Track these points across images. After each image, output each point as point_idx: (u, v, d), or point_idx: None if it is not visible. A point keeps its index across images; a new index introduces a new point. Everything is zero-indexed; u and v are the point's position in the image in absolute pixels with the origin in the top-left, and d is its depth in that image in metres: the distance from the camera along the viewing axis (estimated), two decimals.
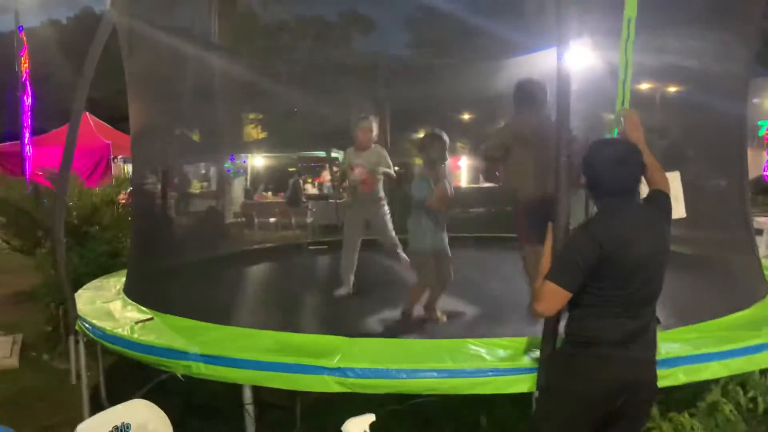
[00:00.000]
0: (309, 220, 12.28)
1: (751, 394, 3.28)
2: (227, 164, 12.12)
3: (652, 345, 2.60)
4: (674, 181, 3.57)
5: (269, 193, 14.33)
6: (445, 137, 4.68)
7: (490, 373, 2.92)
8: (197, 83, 5.49)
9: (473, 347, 3.12)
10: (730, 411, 3.08)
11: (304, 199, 13.51)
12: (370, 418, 2.35)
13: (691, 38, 4.03)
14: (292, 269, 6.30)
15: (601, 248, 2.43)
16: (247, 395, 3.16)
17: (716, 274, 3.98)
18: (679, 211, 3.47)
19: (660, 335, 3.11)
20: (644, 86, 5.50)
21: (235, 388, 3.62)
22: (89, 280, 5.35)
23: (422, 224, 4.54)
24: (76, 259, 5.97)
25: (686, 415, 2.92)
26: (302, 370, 2.99)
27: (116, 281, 4.94)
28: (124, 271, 5.41)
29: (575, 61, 6.72)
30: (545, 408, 2.70)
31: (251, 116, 14.09)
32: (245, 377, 3.08)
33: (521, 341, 3.18)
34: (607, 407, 2.52)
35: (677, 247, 3.86)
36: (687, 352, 3.01)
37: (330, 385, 2.95)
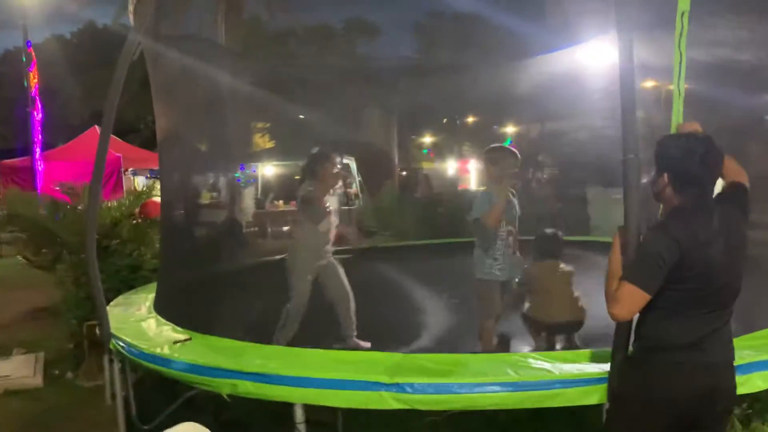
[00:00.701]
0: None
1: None
2: (237, 174, 12.01)
3: (730, 349, 2.48)
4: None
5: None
6: (517, 153, 4.28)
7: (558, 386, 2.79)
8: (215, 93, 5.37)
9: (534, 360, 2.99)
10: None
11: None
12: None
13: (741, 29, 3.87)
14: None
15: (681, 248, 2.33)
16: (299, 414, 3.01)
17: None
18: None
19: None
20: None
21: (268, 404, 3.52)
22: (112, 295, 5.23)
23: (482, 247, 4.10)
24: (102, 275, 5.82)
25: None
26: (358, 387, 2.87)
27: (144, 297, 4.82)
28: (150, 286, 5.30)
29: (601, 58, 6.65)
30: (619, 416, 2.58)
31: (269, 124, 14.03)
32: (298, 395, 2.95)
33: (583, 353, 3.05)
34: (684, 415, 2.40)
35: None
36: (762, 357, 2.86)
37: (388, 401, 2.81)
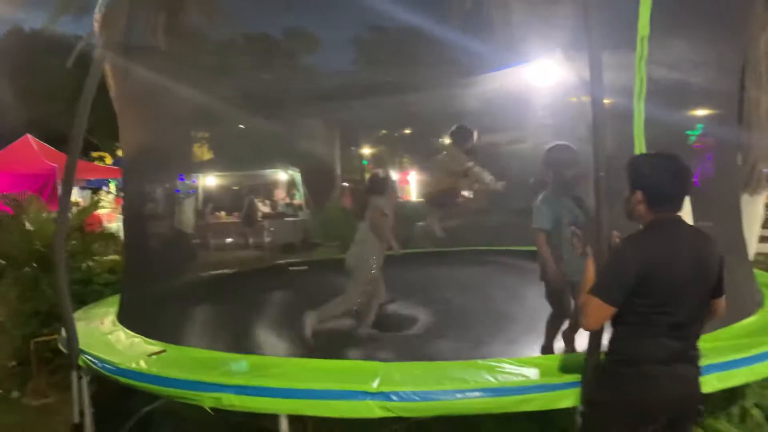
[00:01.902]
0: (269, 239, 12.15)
1: None
2: (180, 185, 11.82)
3: (697, 362, 2.62)
4: None
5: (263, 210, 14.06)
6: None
7: (534, 390, 2.93)
8: (179, 107, 5.33)
9: (509, 366, 3.13)
10: (760, 415, 3.19)
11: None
12: None
13: (686, 51, 4.16)
14: (285, 290, 6.18)
15: (644, 264, 2.46)
16: (284, 426, 3.05)
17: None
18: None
19: None
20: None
21: (228, 418, 3.52)
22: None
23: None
24: (49, 290, 5.65)
25: (723, 421, 2.99)
26: (344, 396, 2.93)
27: (104, 311, 4.72)
28: (108, 300, 5.20)
29: (546, 76, 6.97)
30: (592, 422, 2.73)
31: (213, 135, 13.85)
32: (283, 407, 2.98)
33: (555, 358, 3.22)
34: (654, 423, 2.54)
35: None
36: (717, 359, 3.09)
37: (373, 410, 2.89)
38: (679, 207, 2.60)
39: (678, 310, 2.50)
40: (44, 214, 6.60)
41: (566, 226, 3.92)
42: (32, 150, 13.23)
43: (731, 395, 3.22)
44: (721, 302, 2.67)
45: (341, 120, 14.04)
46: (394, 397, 2.88)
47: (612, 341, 2.62)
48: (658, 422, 2.54)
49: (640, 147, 3.33)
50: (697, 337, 2.62)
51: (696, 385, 2.60)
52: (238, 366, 3.31)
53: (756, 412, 3.20)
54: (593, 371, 2.82)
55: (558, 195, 3.99)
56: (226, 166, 13.95)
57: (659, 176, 2.57)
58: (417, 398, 2.89)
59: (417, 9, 6.96)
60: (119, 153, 23.87)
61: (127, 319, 4.31)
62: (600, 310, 2.51)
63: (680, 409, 2.57)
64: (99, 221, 11.22)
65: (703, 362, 3.01)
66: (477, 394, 2.91)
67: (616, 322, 2.58)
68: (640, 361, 2.52)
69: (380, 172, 5.38)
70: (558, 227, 3.92)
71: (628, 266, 2.49)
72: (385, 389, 2.90)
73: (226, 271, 7.00)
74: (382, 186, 5.23)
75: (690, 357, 2.60)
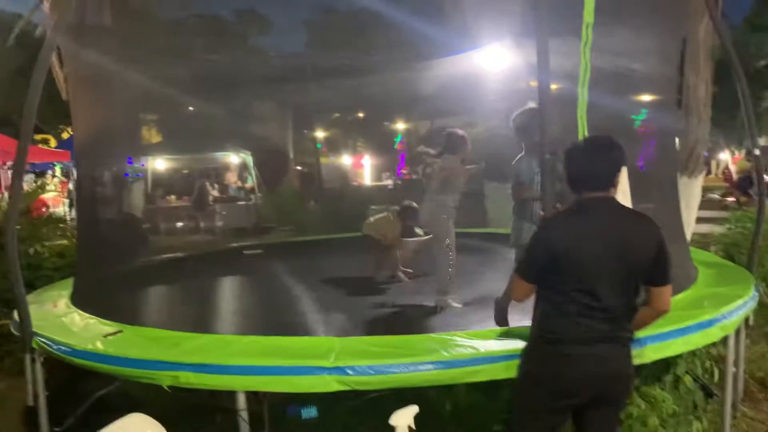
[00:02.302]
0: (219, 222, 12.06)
1: (707, 365, 3.66)
2: (129, 168, 11.61)
3: (624, 342, 2.62)
4: (622, 177, 3.89)
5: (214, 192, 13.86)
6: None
7: (483, 362, 3.07)
8: (129, 89, 5.26)
9: (460, 339, 3.27)
10: (690, 381, 3.41)
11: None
12: (414, 409, 2.41)
13: (628, 38, 4.33)
14: (239, 272, 6.21)
15: (552, 244, 2.54)
16: (242, 401, 3.11)
17: None
18: (627, 204, 3.80)
19: None
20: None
21: (185, 398, 3.57)
22: (11, 296, 5.01)
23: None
24: None
25: (657, 389, 3.19)
26: (301, 372, 3.01)
27: (57, 294, 4.66)
28: (59, 284, 5.13)
29: (498, 61, 7.12)
30: (517, 396, 2.81)
31: (164, 117, 13.62)
32: (241, 383, 3.04)
33: (504, 331, 3.36)
34: (576, 400, 2.61)
35: None
36: (653, 331, 3.28)
37: (331, 384, 2.98)
38: (599, 187, 2.58)
39: (597, 291, 2.52)
40: None
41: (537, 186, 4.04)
42: None
43: (665, 364, 3.42)
44: (662, 292, 2.59)
45: (294, 103, 13.97)
46: (350, 371, 2.97)
47: (534, 317, 2.70)
48: (580, 398, 2.60)
49: (583, 131, 3.50)
50: (627, 319, 2.61)
51: (622, 365, 2.62)
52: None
53: (687, 380, 3.41)
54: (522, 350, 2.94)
55: (531, 156, 4.13)
56: (176, 149, 13.72)
57: (571, 157, 2.65)
58: (372, 372, 2.98)
59: None
60: (64, 136, 23.18)
61: (81, 301, 4.28)
62: (520, 286, 2.67)
63: (603, 387, 2.59)
64: (45, 205, 10.95)
65: (640, 334, 3.23)
66: (429, 366, 3.02)
67: (539, 298, 2.66)
68: (560, 340, 2.57)
69: (458, 130, 5.27)
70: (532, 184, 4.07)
71: (538, 246, 2.60)
72: (341, 364, 2.99)
73: (179, 254, 6.96)
74: (460, 143, 5.13)
75: (616, 338, 2.59)
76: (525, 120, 4.18)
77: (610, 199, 2.61)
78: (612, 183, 2.60)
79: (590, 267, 2.51)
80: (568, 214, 2.66)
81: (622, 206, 2.71)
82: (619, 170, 2.61)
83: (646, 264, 2.53)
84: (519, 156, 4.26)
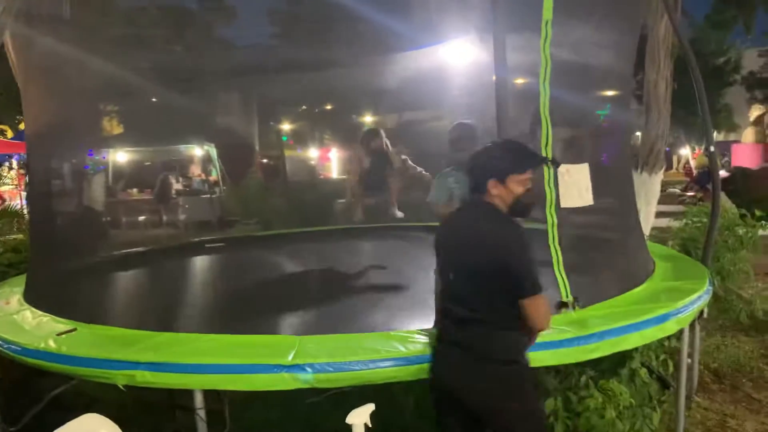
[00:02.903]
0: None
1: (662, 357, 3.74)
2: (89, 161, 11.35)
3: (476, 353, 2.61)
4: (583, 172, 3.95)
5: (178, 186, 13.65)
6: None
7: None
8: (83, 79, 5.13)
9: (419, 336, 3.27)
10: (645, 374, 3.47)
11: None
12: (371, 407, 2.40)
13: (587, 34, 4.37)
14: (200, 268, 6.13)
15: (436, 240, 2.78)
16: (199, 399, 3.07)
17: (616, 254, 4.42)
18: (588, 199, 3.85)
19: (582, 312, 3.48)
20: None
21: (142, 397, 3.51)
22: None
23: None
24: None
25: (615, 382, 3.24)
26: (259, 370, 2.97)
27: (8, 291, 4.54)
28: (12, 280, 5.01)
29: (460, 57, 7.14)
30: None
31: (124, 109, 13.30)
32: (198, 382, 3.00)
33: None
34: (449, 412, 2.74)
35: (581, 231, 4.29)
36: (609, 325, 3.33)
37: (289, 382, 2.95)
38: (475, 190, 2.68)
39: (450, 293, 2.67)
40: None
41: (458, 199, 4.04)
42: None
43: (621, 358, 3.47)
44: (524, 305, 2.53)
45: (258, 94, 13.79)
46: (308, 369, 2.95)
47: None
48: (445, 408, 2.77)
49: (546, 126, 3.53)
50: (477, 325, 2.61)
51: (469, 377, 2.62)
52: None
53: (642, 372, 3.48)
54: None
55: (455, 169, 4.11)
56: (138, 141, 13.44)
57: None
58: (331, 369, 2.97)
59: None
60: (21, 126, 22.57)
61: (34, 298, 4.17)
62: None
63: (458, 403, 2.66)
64: (1, 199, 10.68)
65: (597, 328, 3.27)
66: (389, 363, 3.02)
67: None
68: (438, 340, 2.80)
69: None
70: (451, 200, 4.01)
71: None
72: (300, 362, 2.96)
73: (139, 249, 6.84)
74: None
75: (466, 346, 2.63)
76: (455, 134, 4.24)
77: (482, 203, 2.66)
78: (481, 188, 2.63)
79: (444, 267, 2.70)
80: (453, 214, 2.84)
81: (487, 214, 2.65)
82: (489, 177, 2.60)
83: (490, 274, 2.53)
84: (447, 169, 4.21)
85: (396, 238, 6.69)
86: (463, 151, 3.91)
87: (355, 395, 3.68)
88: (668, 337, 3.90)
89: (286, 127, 18.15)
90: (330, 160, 18.54)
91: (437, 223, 3.09)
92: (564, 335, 3.17)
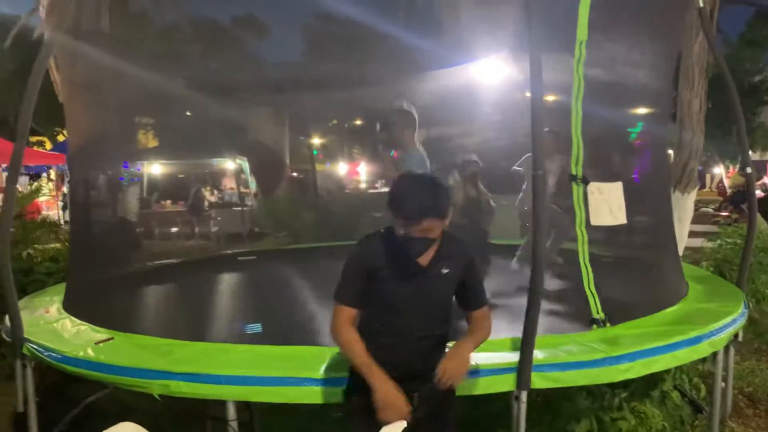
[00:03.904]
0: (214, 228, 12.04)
1: (695, 380, 3.69)
2: (125, 173, 11.61)
3: None
4: (615, 191, 3.94)
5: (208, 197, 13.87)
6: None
7: (473, 375, 3.06)
8: (129, 93, 5.29)
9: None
10: (677, 397, 3.43)
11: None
12: (402, 425, 2.42)
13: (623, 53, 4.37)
14: (232, 280, 6.22)
15: None
16: (232, 411, 3.12)
17: (651, 274, 4.38)
18: (620, 217, 3.83)
19: (610, 331, 3.46)
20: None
21: (174, 405, 3.56)
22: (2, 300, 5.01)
23: None
24: None
25: (647, 404, 3.21)
26: (290, 383, 3.01)
27: (48, 299, 4.66)
28: (51, 289, 5.13)
29: (493, 75, 7.17)
30: None
31: (160, 122, 13.60)
32: (231, 393, 3.05)
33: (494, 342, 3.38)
34: None
35: (613, 250, 4.27)
36: (641, 346, 3.31)
37: (320, 396, 2.99)
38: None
39: None
40: None
41: None
42: None
43: (652, 379, 3.44)
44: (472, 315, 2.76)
45: (290, 109, 13.98)
46: (342, 383, 2.97)
47: None
48: None
49: (578, 144, 3.54)
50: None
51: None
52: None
53: (675, 395, 3.44)
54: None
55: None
56: (172, 154, 13.71)
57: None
58: None
59: (369, 4, 7.07)
60: (59, 138, 23.14)
61: (73, 306, 4.27)
62: None
63: None
64: (39, 209, 10.96)
65: (629, 348, 3.25)
66: None
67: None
68: None
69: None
70: None
71: None
72: (332, 375, 2.99)
73: (172, 260, 6.96)
74: None
75: None
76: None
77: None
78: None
79: None
80: None
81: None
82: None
83: None
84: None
85: None
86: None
87: None
88: (702, 360, 3.85)
89: (316, 141, 18.36)
90: (359, 174, 18.72)
91: None
92: (595, 355, 3.16)
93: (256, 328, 3.60)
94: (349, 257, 2.68)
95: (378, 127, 4.60)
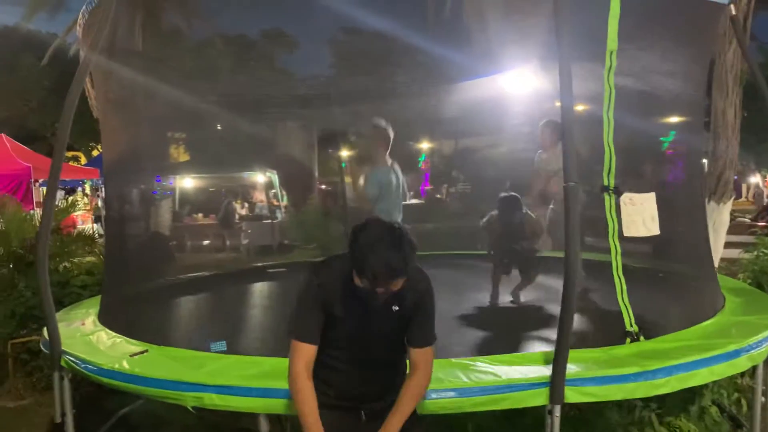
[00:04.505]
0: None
1: (735, 395, 3.60)
2: (157, 186, 11.80)
3: None
4: (648, 201, 3.88)
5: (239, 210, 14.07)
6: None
7: (505, 390, 3.04)
8: (161, 108, 5.39)
9: (482, 364, 3.26)
10: (716, 412, 3.35)
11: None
12: None
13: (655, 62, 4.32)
14: (263, 292, 6.27)
15: None
16: (264, 424, 3.13)
17: (686, 286, 4.30)
18: (653, 229, 3.77)
19: (645, 345, 3.39)
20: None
21: (205, 418, 3.59)
22: (39, 312, 5.13)
23: None
24: (27, 292, 5.68)
25: (683, 420, 3.14)
26: None
27: (84, 312, 4.75)
28: (87, 302, 5.23)
29: (522, 85, 7.14)
30: None
31: (191, 137, 13.82)
32: (264, 406, 3.06)
33: (526, 357, 3.35)
34: None
35: (647, 262, 4.20)
36: (677, 360, 3.24)
37: None
38: None
39: None
40: (21, 215, 6.61)
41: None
42: (6, 150, 13.11)
43: (689, 394, 3.37)
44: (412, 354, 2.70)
45: (319, 122, 14.08)
46: None
47: None
48: None
49: (610, 154, 3.50)
50: None
51: None
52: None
53: (713, 410, 3.36)
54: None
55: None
56: (203, 168, 13.89)
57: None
58: None
59: (396, 16, 7.09)
60: (94, 153, 23.65)
61: (107, 319, 4.35)
62: None
63: None
64: (74, 223, 11.19)
65: (664, 363, 3.19)
66: (451, 394, 3.01)
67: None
68: None
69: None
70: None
71: None
72: None
73: (204, 273, 7.05)
74: None
75: None
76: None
77: None
78: None
79: None
80: None
81: None
82: None
83: None
84: None
85: (455, 267, 6.67)
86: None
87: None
88: (741, 375, 3.75)
89: (345, 153, 18.44)
90: None
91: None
92: (630, 369, 3.11)
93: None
94: (304, 288, 2.58)
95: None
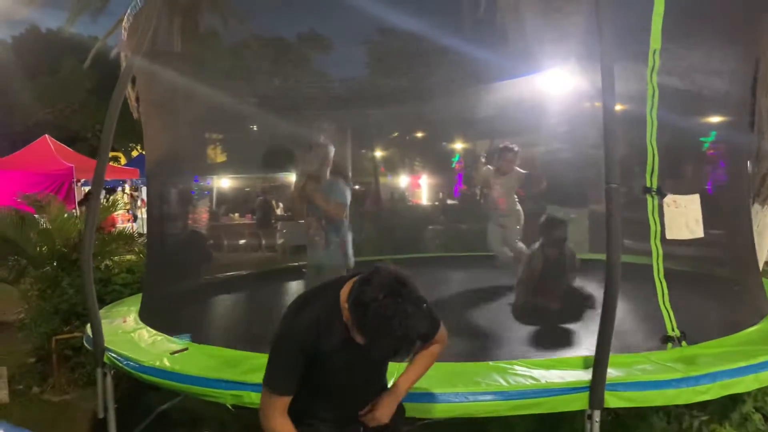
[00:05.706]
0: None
1: None
2: (195, 186, 11.97)
3: None
4: (692, 203, 3.80)
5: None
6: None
7: (544, 394, 3.01)
8: (203, 110, 5.48)
9: (519, 368, 3.23)
10: (760, 420, 3.27)
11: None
12: None
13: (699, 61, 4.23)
14: (299, 291, 6.31)
15: None
16: None
17: (730, 291, 4.20)
18: (697, 231, 3.69)
19: (687, 350, 3.32)
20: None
21: (243, 413, 3.61)
22: (81, 309, 5.24)
23: None
24: (70, 289, 5.81)
25: (727, 426, 3.07)
26: None
27: (126, 310, 4.85)
28: (128, 300, 5.33)
29: (560, 85, 7.06)
30: None
31: (229, 137, 14.01)
32: None
33: (565, 361, 3.31)
34: None
35: (689, 265, 4.11)
36: (722, 366, 3.17)
37: None
38: None
39: None
40: (64, 214, 6.76)
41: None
42: (50, 150, 13.44)
43: (730, 400, 3.29)
44: None
45: (353, 123, 14.12)
46: (407, 399, 2.96)
47: None
48: None
49: (653, 155, 3.44)
50: None
51: None
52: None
53: (757, 418, 3.28)
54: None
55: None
56: (240, 168, 14.05)
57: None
58: (427, 400, 2.97)
59: (431, 16, 7.08)
60: (134, 154, 24.12)
61: (148, 317, 4.43)
62: None
63: None
64: (114, 222, 11.42)
65: (708, 369, 3.12)
66: (489, 397, 2.99)
67: None
68: None
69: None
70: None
71: None
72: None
73: (241, 272, 7.13)
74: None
75: None
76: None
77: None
78: None
79: None
80: None
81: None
82: None
83: None
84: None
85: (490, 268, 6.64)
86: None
87: (446, 425, 3.67)
88: None
89: (378, 154, 18.48)
90: (420, 187, 18.70)
91: None
92: (673, 374, 3.05)
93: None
94: (281, 339, 2.39)
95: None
